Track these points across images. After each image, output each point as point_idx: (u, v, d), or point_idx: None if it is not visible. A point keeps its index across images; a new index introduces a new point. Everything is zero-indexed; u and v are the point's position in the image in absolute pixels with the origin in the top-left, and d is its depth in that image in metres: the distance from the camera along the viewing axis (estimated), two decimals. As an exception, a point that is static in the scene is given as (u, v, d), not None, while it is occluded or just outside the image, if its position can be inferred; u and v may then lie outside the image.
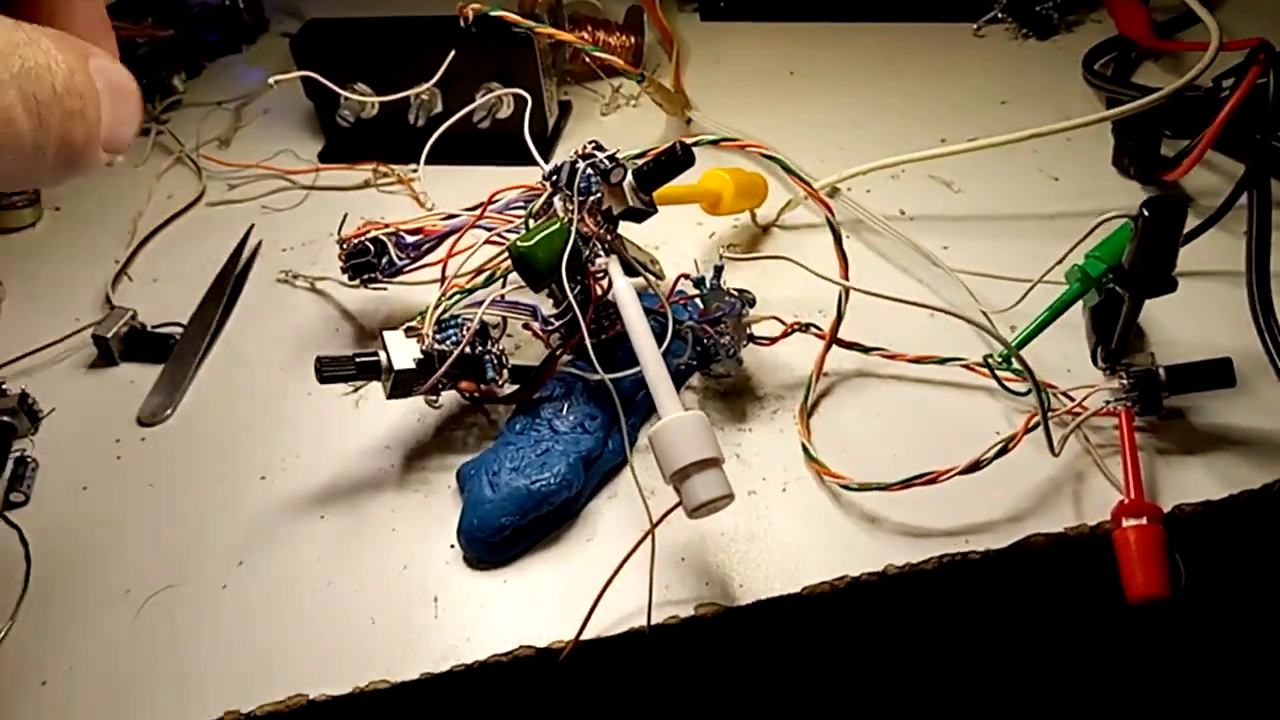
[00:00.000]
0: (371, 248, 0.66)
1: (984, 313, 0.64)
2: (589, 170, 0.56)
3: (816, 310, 0.67)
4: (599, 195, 0.57)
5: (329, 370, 0.56)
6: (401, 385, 0.58)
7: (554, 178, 0.59)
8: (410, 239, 0.67)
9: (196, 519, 0.59)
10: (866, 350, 0.62)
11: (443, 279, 0.63)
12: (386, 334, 0.58)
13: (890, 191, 0.78)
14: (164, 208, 0.86)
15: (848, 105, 0.90)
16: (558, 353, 0.60)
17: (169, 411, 0.67)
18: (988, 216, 0.76)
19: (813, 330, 0.62)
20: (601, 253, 0.58)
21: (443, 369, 0.58)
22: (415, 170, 0.86)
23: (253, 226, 0.81)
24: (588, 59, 0.92)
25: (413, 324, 0.60)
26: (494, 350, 0.60)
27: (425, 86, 0.81)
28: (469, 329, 0.59)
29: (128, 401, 0.68)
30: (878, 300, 0.63)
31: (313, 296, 0.76)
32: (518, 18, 0.77)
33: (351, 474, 0.61)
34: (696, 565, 0.54)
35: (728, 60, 0.98)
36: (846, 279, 0.60)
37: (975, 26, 0.97)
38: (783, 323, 0.62)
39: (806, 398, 0.61)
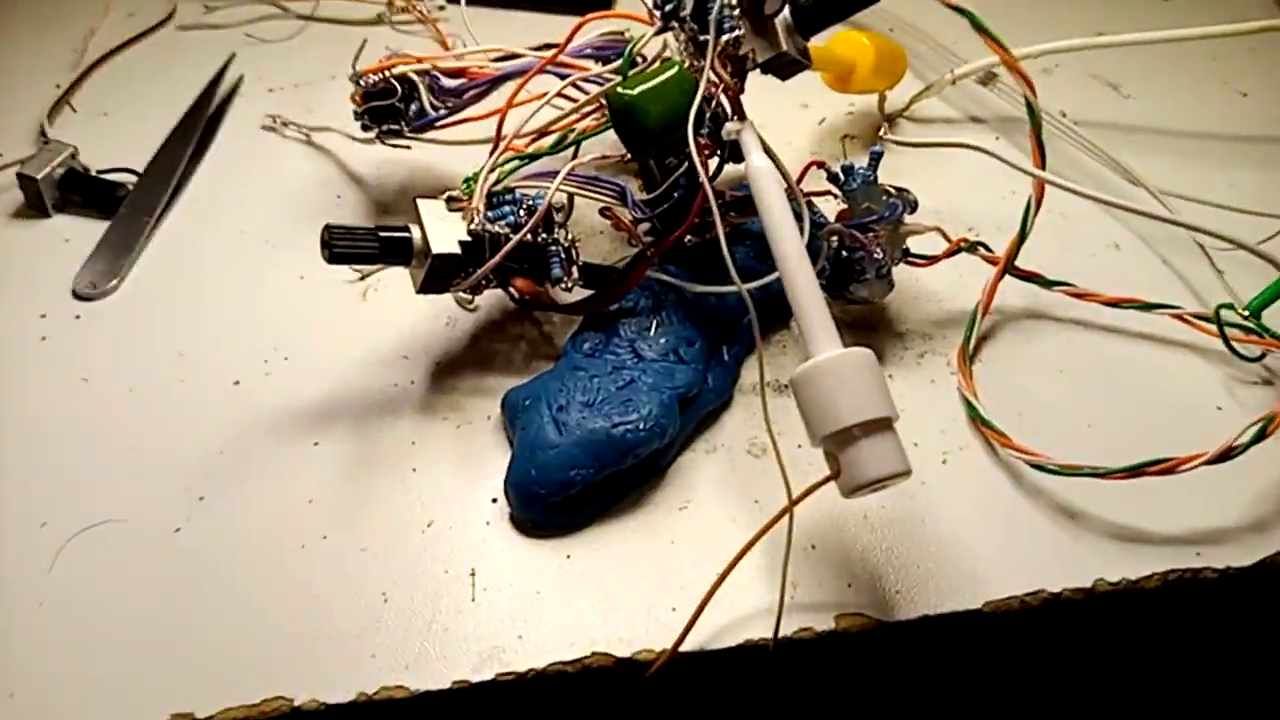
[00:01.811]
0: (399, 88, 0.49)
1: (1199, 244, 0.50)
2: (732, -4, 0.40)
3: (965, 228, 0.52)
4: (737, 35, 0.41)
5: (342, 245, 0.40)
6: (439, 275, 0.42)
7: (670, 5, 0.43)
8: (449, 83, 0.50)
9: (143, 432, 0.44)
10: (1048, 284, 0.47)
11: (497, 138, 0.47)
12: (422, 203, 0.43)
13: (1044, 88, 0.61)
14: (123, 27, 0.68)
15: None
16: (650, 252, 0.44)
17: (114, 283, 0.50)
18: (1169, 131, 0.60)
19: (980, 251, 0.47)
20: (725, 115, 0.43)
21: (497, 258, 0.42)
22: (443, 7, 0.69)
23: (233, 57, 0.64)
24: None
25: (454, 194, 0.44)
26: (562, 240, 0.44)
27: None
28: (535, 208, 0.43)
29: (60, 265, 0.51)
30: (1048, 221, 0.49)
31: (308, 151, 0.59)
32: None
33: (356, 388, 0.46)
34: (832, 558, 0.40)
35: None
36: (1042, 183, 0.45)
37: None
38: (947, 237, 0.47)
39: (968, 340, 0.47)
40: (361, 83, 0.50)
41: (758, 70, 0.43)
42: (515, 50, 0.51)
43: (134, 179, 0.55)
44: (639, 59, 0.45)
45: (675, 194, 0.45)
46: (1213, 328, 0.45)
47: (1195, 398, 0.45)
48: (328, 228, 0.40)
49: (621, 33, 0.53)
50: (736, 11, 0.41)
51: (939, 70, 0.62)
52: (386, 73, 0.49)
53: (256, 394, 0.46)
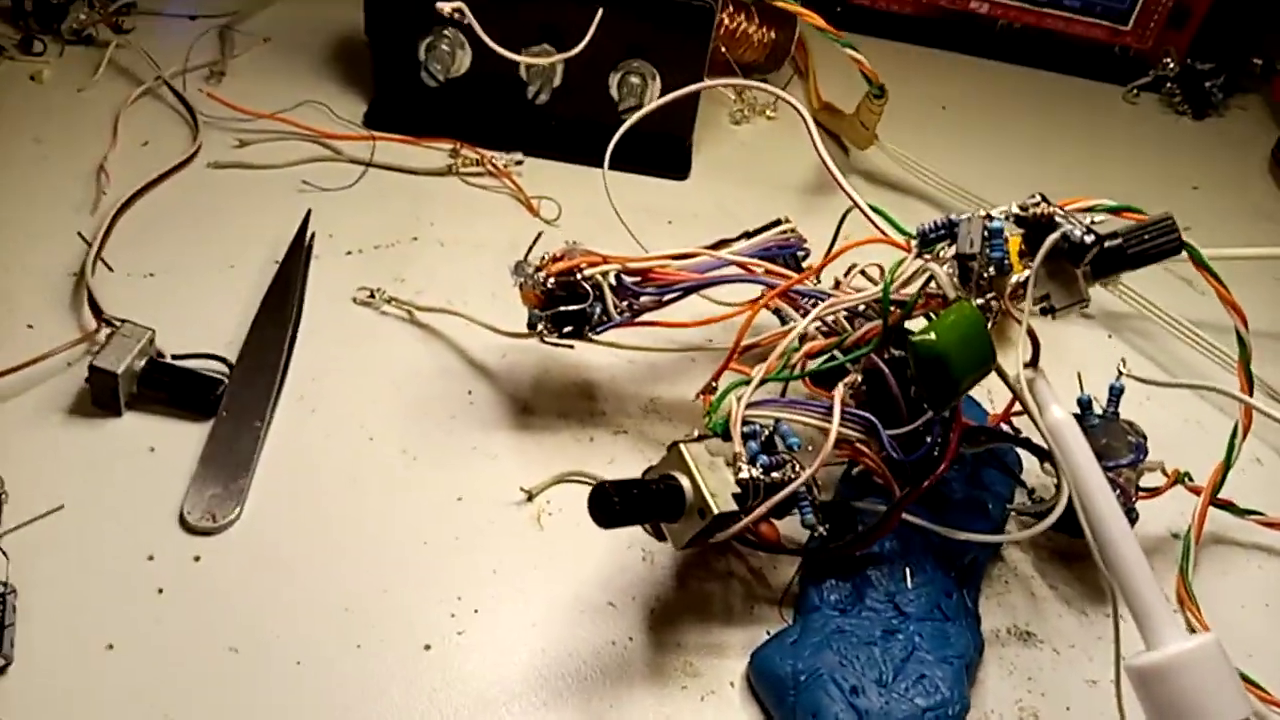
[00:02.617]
0: (590, 293, 0.44)
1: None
2: (1062, 240, 0.38)
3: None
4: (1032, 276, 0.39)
5: (622, 507, 0.35)
6: (710, 532, 0.37)
7: (940, 233, 0.41)
8: (630, 281, 0.45)
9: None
10: (1240, 513, 0.48)
11: (731, 358, 0.43)
12: (686, 449, 0.37)
13: (1130, 280, 0.64)
14: (140, 161, 0.58)
15: (1019, 158, 0.76)
16: (907, 495, 0.41)
17: (235, 511, 0.41)
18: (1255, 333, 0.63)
19: (1186, 481, 0.47)
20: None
21: (764, 509, 0.37)
22: (521, 161, 0.63)
23: (309, 215, 0.56)
24: (724, 50, 0.73)
25: (703, 433, 0.39)
26: (798, 469, 0.40)
27: (576, 49, 0.58)
28: (787, 444, 0.39)
29: (155, 484, 0.42)
30: (1185, 431, 0.50)
31: (415, 331, 0.52)
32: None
33: (570, 648, 0.39)
34: None
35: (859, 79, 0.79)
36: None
37: (1129, 90, 0.85)
38: (1165, 471, 0.46)
39: (1185, 572, 0.46)
40: (546, 282, 0.44)
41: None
42: (693, 251, 0.47)
43: (221, 368, 0.47)
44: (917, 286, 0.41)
45: (927, 432, 0.42)
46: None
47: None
48: (602, 489, 0.35)
49: (792, 230, 0.50)
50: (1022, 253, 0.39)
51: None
52: (577, 274, 0.44)
53: (455, 660, 0.38)
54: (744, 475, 0.37)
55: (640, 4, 0.60)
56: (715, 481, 0.37)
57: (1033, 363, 0.40)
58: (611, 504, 0.34)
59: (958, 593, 0.41)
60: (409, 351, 0.50)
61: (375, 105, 0.65)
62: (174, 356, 0.46)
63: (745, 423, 0.40)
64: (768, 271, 0.46)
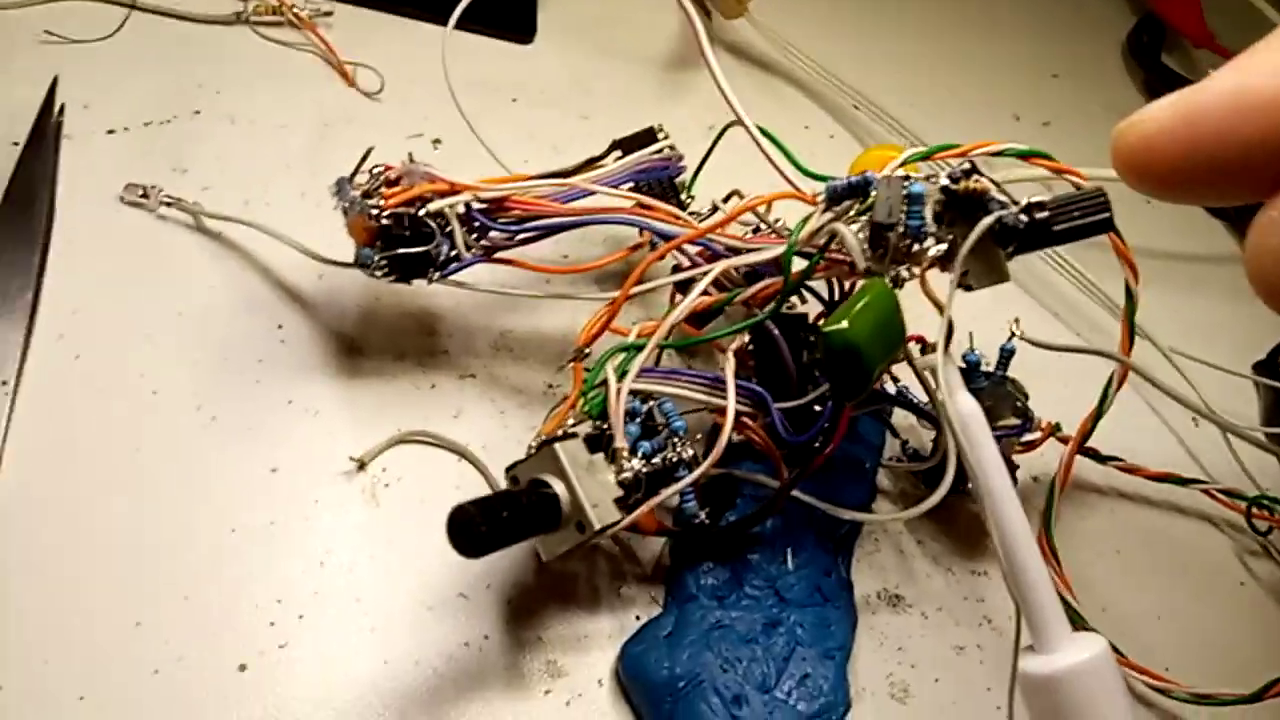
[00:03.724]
0: (435, 230, 0.36)
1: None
2: (995, 212, 0.33)
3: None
4: (949, 244, 0.34)
5: (489, 531, 0.29)
6: (586, 544, 0.32)
7: (843, 197, 0.35)
8: (480, 210, 0.38)
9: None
10: (1102, 460, 0.47)
11: (609, 319, 0.37)
12: (561, 449, 0.31)
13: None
14: None
15: (887, 36, 0.70)
16: (796, 476, 0.37)
17: (-23, 502, 0.33)
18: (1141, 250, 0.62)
19: (1055, 434, 0.46)
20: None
21: (649, 506, 0.33)
22: (330, 13, 0.52)
23: (57, 82, 0.43)
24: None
25: (578, 419, 0.33)
26: (685, 458, 0.35)
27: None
28: (671, 428, 0.34)
29: None
30: (1072, 382, 0.48)
31: (204, 243, 0.42)
32: None
33: (415, 657, 0.34)
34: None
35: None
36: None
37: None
38: (1039, 428, 0.44)
39: (1049, 522, 0.45)
40: (380, 216, 0.35)
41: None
42: (561, 171, 0.40)
43: (-53, 297, 0.36)
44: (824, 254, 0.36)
45: (818, 408, 0.37)
46: (1232, 501, 0.48)
47: (1224, 573, 0.48)
48: (461, 513, 0.29)
49: (670, 147, 0.43)
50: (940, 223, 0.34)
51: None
52: (422, 207, 0.36)
53: (278, 681, 0.32)
54: (627, 475, 0.32)
55: None
56: (594, 487, 0.31)
57: (945, 346, 0.36)
58: (477, 530, 0.29)
59: (835, 569, 0.38)
60: (198, 272, 0.41)
61: (138, -79, 0.51)
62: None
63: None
64: (653, 211, 0.39)
